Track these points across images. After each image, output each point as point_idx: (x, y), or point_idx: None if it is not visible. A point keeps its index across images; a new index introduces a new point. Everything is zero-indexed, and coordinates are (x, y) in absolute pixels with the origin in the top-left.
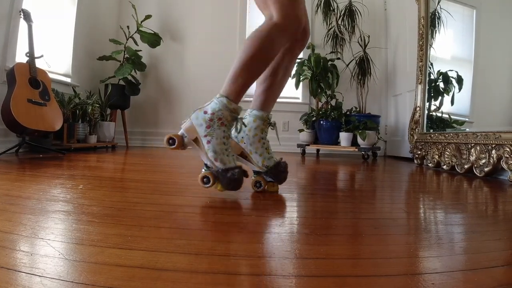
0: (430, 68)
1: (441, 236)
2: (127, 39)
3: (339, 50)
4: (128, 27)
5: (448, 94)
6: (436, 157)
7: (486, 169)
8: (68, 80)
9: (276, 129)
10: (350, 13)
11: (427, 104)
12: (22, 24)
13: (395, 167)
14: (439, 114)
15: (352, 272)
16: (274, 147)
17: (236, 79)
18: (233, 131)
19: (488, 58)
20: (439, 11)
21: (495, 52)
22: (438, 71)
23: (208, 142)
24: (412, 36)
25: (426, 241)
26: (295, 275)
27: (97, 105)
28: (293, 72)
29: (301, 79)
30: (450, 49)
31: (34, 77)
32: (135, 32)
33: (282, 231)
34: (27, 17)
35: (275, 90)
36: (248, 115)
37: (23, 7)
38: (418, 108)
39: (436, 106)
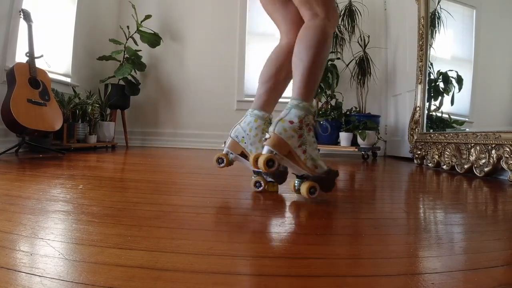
0: (430, 68)
1: (441, 236)
2: (127, 39)
3: (339, 50)
4: (128, 27)
5: (448, 94)
6: (436, 157)
7: (486, 169)
8: (68, 80)
9: None
10: (350, 13)
11: (427, 104)
12: (22, 24)
13: (395, 167)
14: (439, 114)
15: (352, 272)
16: None
17: (309, 80)
18: (233, 131)
19: (488, 58)
20: (439, 11)
21: (495, 52)
22: (438, 71)
23: (304, 151)
24: (412, 36)
25: (426, 241)
26: (295, 275)
27: (97, 105)
28: None
29: None
30: (450, 49)
31: (34, 77)
32: (135, 32)
33: (282, 231)
34: (27, 17)
35: (279, 90)
36: (249, 114)
37: (23, 7)
38: (418, 108)
39: (436, 106)
